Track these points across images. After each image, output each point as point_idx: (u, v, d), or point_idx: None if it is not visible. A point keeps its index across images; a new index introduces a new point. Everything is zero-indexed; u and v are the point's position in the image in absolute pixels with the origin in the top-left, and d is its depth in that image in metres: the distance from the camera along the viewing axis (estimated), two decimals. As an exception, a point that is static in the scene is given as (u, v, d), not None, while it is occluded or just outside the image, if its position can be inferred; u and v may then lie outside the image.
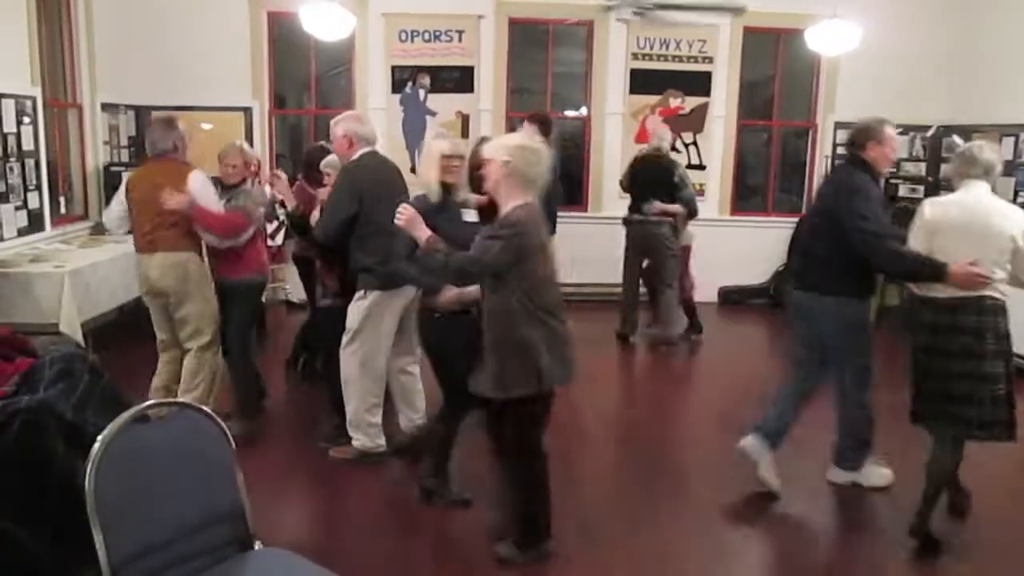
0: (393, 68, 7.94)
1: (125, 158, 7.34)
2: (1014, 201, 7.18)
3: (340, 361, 4.26)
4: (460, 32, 7.95)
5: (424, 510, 3.80)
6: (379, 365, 4.25)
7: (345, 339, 4.21)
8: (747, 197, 9.07)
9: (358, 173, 4.14)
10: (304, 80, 8.52)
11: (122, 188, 4.47)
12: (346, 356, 4.23)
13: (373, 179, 4.15)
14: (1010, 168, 7.31)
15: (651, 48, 8.13)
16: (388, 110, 7.95)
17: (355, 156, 4.17)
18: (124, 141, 7.44)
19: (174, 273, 4.30)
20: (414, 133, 7.95)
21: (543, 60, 8.39)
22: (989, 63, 7.82)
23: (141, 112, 7.68)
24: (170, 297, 4.35)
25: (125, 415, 2.17)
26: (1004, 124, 7.40)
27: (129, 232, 4.53)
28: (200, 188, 4.32)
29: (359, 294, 4.15)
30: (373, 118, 7.49)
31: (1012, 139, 7.30)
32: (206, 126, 7.80)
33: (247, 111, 7.89)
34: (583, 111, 8.47)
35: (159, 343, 4.58)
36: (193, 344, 4.43)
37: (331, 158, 4.52)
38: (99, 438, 2.08)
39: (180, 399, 4.05)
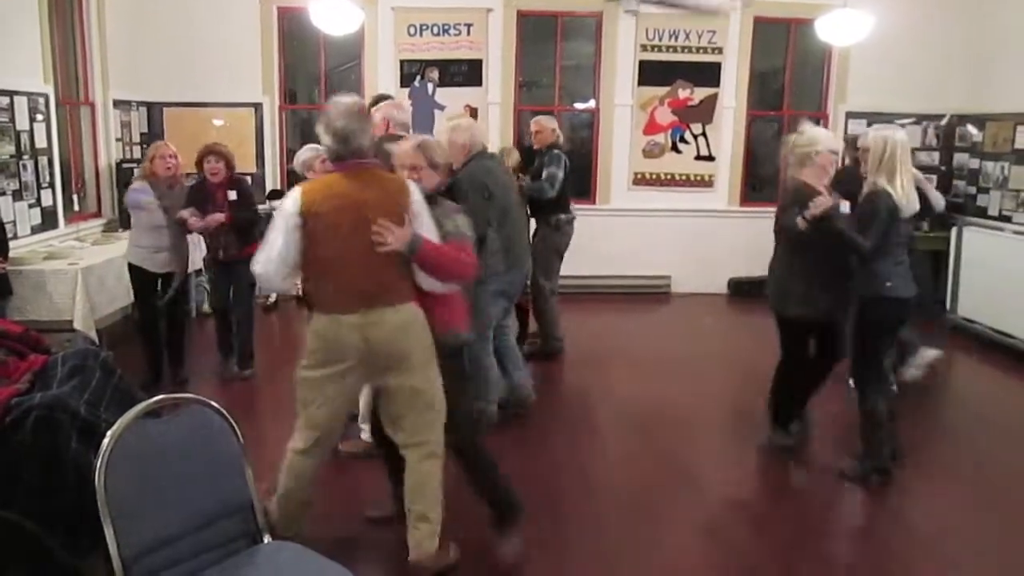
0: (402, 62, 7.94)
1: (137, 155, 7.39)
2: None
3: None
4: (469, 25, 7.94)
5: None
6: None
7: None
8: (758, 188, 9.01)
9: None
10: (315, 75, 8.54)
11: (290, 218, 2.86)
12: None
13: None
14: (1024, 157, 7.26)
15: (660, 39, 8.09)
16: (397, 104, 7.96)
17: None
18: (136, 138, 7.49)
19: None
20: (423, 127, 7.93)
21: (552, 53, 8.38)
22: (1002, 51, 7.74)
23: (153, 109, 7.74)
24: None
25: (134, 410, 2.20)
26: (1018, 112, 7.33)
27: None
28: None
29: None
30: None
31: (1026, 127, 7.23)
32: (218, 122, 7.86)
33: (258, 107, 7.92)
34: (592, 103, 8.45)
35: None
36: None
37: (302, 157, 4.48)
38: (108, 433, 2.11)
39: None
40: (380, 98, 5.07)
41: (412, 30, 7.90)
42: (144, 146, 7.42)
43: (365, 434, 4.25)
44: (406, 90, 7.97)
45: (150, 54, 7.52)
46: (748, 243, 8.17)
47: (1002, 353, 6.46)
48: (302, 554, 2.38)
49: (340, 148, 2.90)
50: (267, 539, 2.39)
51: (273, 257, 2.87)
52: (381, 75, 7.96)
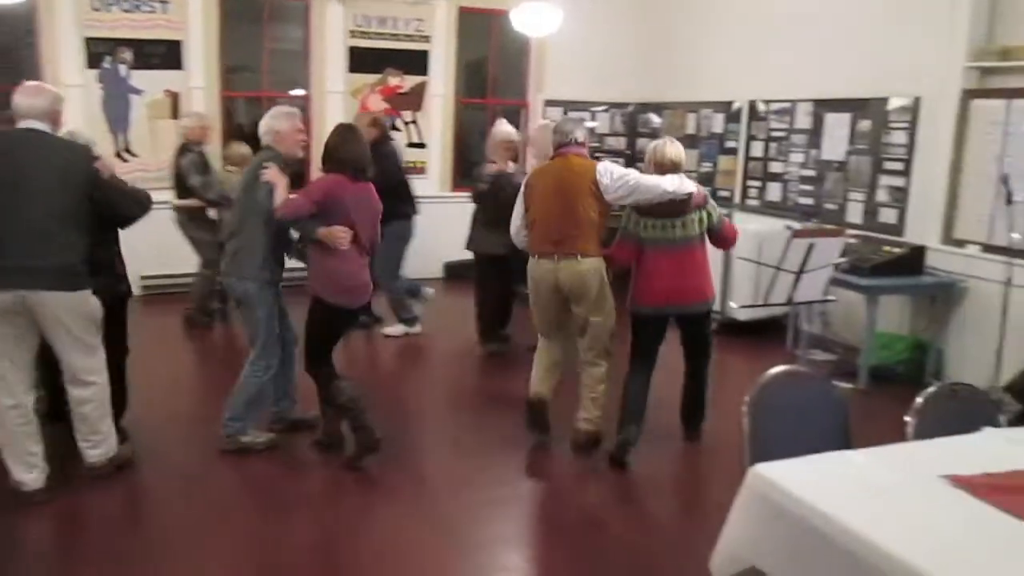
0: (88, 40, 7.28)
1: None
2: (698, 169, 8.11)
3: None
4: (164, 3, 7.48)
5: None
6: None
7: None
8: (469, 173, 9.37)
9: None
10: (-18, 52, 7.61)
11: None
12: None
13: None
14: (694, 141, 8.23)
15: (369, 26, 8.16)
16: (85, 87, 7.30)
17: None
18: None
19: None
20: (118, 113, 7.40)
21: (260, 36, 8.13)
22: (675, 47, 8.69)
23: None
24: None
25: None
26: (689, 102, 8.30)
27: None
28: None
29: None
30: (68, 96, 6.89)
31: (694, 115, 8.20)
32: None
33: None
34: (302, 91, 8.33)
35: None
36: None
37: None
38: None
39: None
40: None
41: (97, 4, 7.26)
42: None
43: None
44: (95, 72, 7.34)
45: None
46: (460, 227, 8.48)
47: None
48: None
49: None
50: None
51: None
52: (63, 54, 7.26)
